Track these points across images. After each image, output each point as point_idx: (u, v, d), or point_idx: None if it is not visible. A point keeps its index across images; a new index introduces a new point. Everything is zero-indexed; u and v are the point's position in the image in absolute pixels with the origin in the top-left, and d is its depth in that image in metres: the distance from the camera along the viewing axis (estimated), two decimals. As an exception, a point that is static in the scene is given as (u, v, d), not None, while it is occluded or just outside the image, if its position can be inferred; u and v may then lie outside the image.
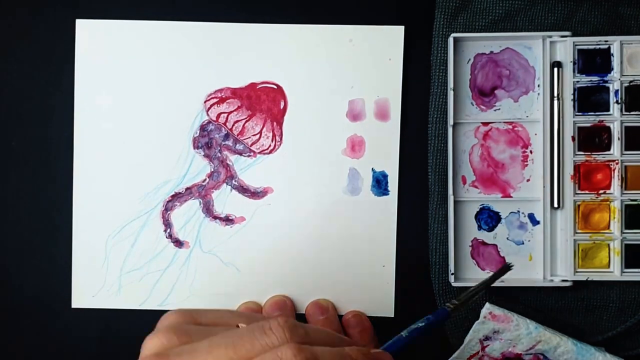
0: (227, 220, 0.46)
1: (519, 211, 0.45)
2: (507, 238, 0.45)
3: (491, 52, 0.45)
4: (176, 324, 0.32)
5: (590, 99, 0.44)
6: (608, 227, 0.45)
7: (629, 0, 0.45)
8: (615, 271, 0.44)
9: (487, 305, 0.44)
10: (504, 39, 0.45)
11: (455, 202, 0.45)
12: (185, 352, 0.30)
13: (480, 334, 0.44)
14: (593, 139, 0.44)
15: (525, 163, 0.45)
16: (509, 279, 0.45)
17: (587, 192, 0.44)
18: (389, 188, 0.46)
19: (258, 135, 0.46)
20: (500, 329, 0.44)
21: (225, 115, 0.46)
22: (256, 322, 0.31)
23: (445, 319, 0.38)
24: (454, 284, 0.44)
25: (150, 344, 0.31)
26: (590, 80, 0.44)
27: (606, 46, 0.44)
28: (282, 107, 0.45)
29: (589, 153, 0.44)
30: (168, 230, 0.46)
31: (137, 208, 0.46)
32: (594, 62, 0.44)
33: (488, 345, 0.44)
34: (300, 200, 0.46)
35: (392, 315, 0.46)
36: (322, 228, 0.46)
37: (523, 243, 0.45)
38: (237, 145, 0.46)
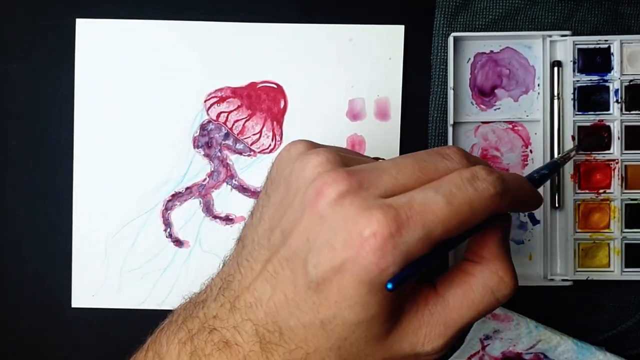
0: (228, 219, 0.46)
1: (519, 210, 0.45)
2: (507, 237, 0.45)
3: (491, 51, 0.45)
4: (333, 153, 0.30)
5: (590, 99, 0.44)
6: (608, 226, 0.45)
7: (629, 0, 0.45)
8: (615, 270, 0.44)
9: (487, 304, 0.44)
10: (504, 38, 0.45)
11: (456, 202, 0.45)
12: (371, 170, 0.29)
13: (481, 333, 0.44)
14: (593, 138, 0.44)
15: (525, 162, 0.45)
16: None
17: (587, 191, 0.44)
18: (389, 187, 0.46)
19: (258, 135, 0.46)
20: (500, 328, 0.44)
21: (226, 114, 0.46)
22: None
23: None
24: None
25: (316, 160, 0.29)
26: (590, 80, 0.44)
27: (606, 45, 0.44)
28: (282, 106, 0.45)
29: (589, 152, 0.44)
30: (168, 230, 0.46)
31: (137, 207, 0.46)
32: (594, 62, 0.44)
33: (488, 344, 0.44)
34: (300, 200, 0.46)
35: (392, 315, 0.46)
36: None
37: (523, 242, 0.45)
38: (237, 144, 0.46)
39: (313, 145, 0.31)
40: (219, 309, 0.31)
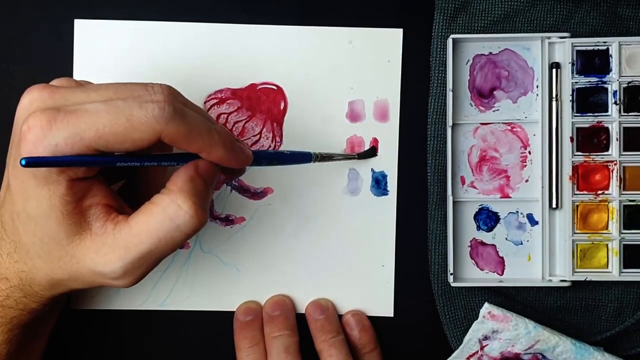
0: (227, 220, 0.46)
1: (517, 211, 0.45)
2: (506, 238, 0.46)
3: (490, 53, 0.45)
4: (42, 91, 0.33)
5: (588, 100, 0.45)
6: (606, 227, 0.45)
7: (628, 1, 0.45)
8: (613, 271, 0.45)
9: (486, 305, 0.44)
10: (502, 40, 0.45)
11: (454, 203, 0.45)
12: (76, 88, 0.33)
13: (479, 334, 0.44)
14: (591, 139, 0.45)
15: (524, 164, 0.45)
16: (508, 279, 0.45)
17: (585, 192, 0.45)
18: (389, 188, 0.46)
19: (258, 136, 0.46)
20: (499, 328, 0.44)
21: (225, 116, 0.46)
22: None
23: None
24: (452, 284, 0.45)
25: (27, 98, 0.33)
26: (589, 81, 0.44)
27: (605, 47, 0.44)
28: (282, 107, 0.46)
29: (588, 154, 0.44)
30: (168, 231, 0.46)
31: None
32: (592, 63, 0.44)
33: (487, 345, 0.44)
34: (300, 200, 0.46)
35: (392, 315, 0.46)
36: (321, 228, 0.46)
37: (522, 243, 0.46)
38: (237, 146, 0.46)
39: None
40: None
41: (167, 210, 0.33)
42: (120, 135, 0.31)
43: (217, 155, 0.34)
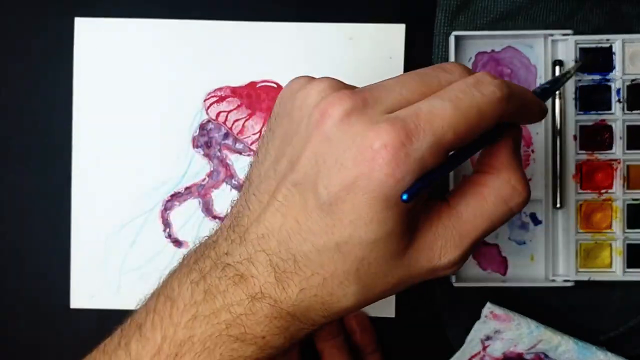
0: (227, 219, 0.46)
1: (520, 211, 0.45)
2: (509, 238, 0.45)
3: (492, 50, 0.45)
4: (334, 80, 0.30)
5: (592, 98, 0.44)
6: (610, 226, 0.44)
7: (631, -1, 0.45)
8: (617, 271, 0.44)
9: (489, 304, 0.44)
10: (505, 37, 0.45)
11: (457, 202, 0.44)
12: (375, 88, 0.29)
13: (482, 334, 0.44)
14: (595, 138, 0.44)
15: (527, 162, 0.45)
16: (511, 279, 0.45)
17: (589, 191, 0.44)
18: (390, 187, 0.46)
19: (258, 134, 0.46)
20: (501, 328, 0.44)
21: (225, 114, 0.45)
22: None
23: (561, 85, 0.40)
24: (455, 284, 0.44)
25: (319, 87, 0.29)
26: (592, 79, 0.44)
27: (608, 45, 0.44)
28: (282, 106, 0.45)
29: (591, 152, 0.44)
30: (167, 230, 0.46)
31: (136, 208, 0.46)
32: (595, 61, 0.44)
33: (489, 345, 0.44)
34: (300, 200, 0.45)
35: (393, 316, 0.46)
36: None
37: (525, 243, 0.45)
38: (237, 144, 0.46)
39: (318, 78, 0.31)
40: (229, 245, 0.30)
41: (501, 192, 0.30)
42: (474, 128, 0.28)
43: (536, 119, 0.32)
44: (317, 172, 0.28)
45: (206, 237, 0.32)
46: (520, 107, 0.30)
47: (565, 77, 0.39)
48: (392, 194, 0.27)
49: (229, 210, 0.32)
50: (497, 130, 0.30)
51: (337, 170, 0.27)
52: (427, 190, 0.28)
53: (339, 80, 0.30)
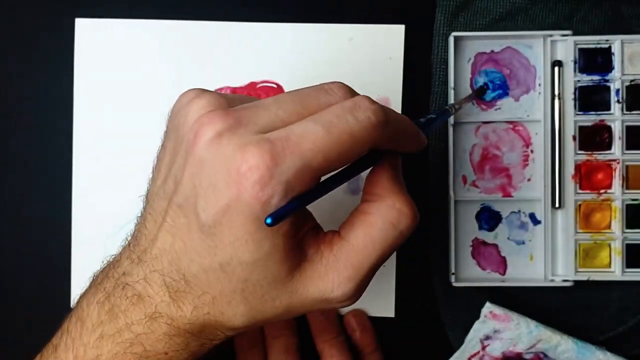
0: (227, 220, 0.46)
1: (519, 211, 0.45)
2: (508, 238, 0.45)
3: (492, 51, 0.45)
4: (215, 96, 0.30)
5: (591, 98, 0.44)
6: (609, 226, 0.44)
7: (631, 0, 0.45)
8: (616, 271, 0.44)
9: (488, 304, 0.44)
10: (504, 38, 0.45)
11: (456, 202, 0.45)
12: (251, 107, 0.29)
13: (481, 333, 0.44)
14: (594, 138, 0.44)
15: (526, 163, 0.45)
16: (510, 279, 0.45)
17: (588, 191, 0.44)
18: (390, 187, 0.46)
19: (258, 135, 0.45)
20: (500, 328, 0.44)
21: (225, 114, 0.45)
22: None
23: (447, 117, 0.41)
24: (454, 284, 0.44)
25: (198, 104, 0.29)
26: (591, 80, 0.44)
27: (607, 45, 0.44)
28: (282, 106, 0.45)
29: (590, 152, 0.44)
30: (168, 230, 0.46)
31: (136, 207, 0.45)
32: (594, 61, 0.44)
33: (488, 344, 0.44)
34: (300, 200, 0.46)
35: (393, 315, 0.46)
36: (323, 227, 0.46)
37: (524, 243, 0.45)
38: (237, 144, 0.46)
39: (203, 92, 0.31)
40: (129, 265, 0.31)
41: (388, 216, 0.30)
42: (346, 154, 0.28)
43: (413, 149, 0.32)
44: (195, 194, 0.28)
45: (112, 256, 0.33)
46: (396, 135, 0.30)
47: (452, 109, 0.40)
48: (262, 216, 0.27)
49: (132, 229, 0.33)
50: (374, 156, 0.31)
51: (211, 192, 0.28)
52: (294, 213, 0.28)
53: (220, 96, 0.30)
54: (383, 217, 0.30)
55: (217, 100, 0.29)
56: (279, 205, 0.27)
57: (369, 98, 0.29)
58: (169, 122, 0.32)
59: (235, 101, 0.30)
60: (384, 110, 0.29)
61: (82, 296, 0.33)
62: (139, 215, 0.33)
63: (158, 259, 0.30)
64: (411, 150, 0.33)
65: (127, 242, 0.33)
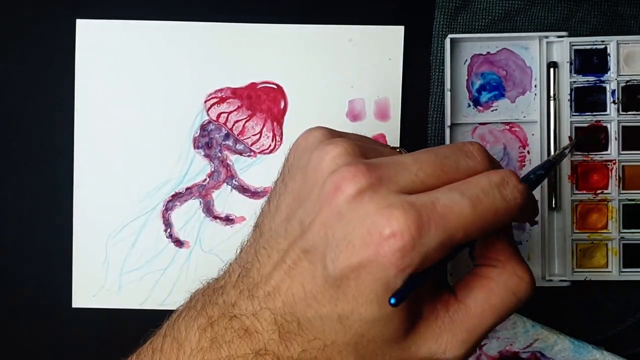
0: (228, 220, 0.46)
1: (517, 211, 0.45)
2: (506, 237, 0.45)
3: (488, 52, 0.45)
4: (352, 144, 0.29)
5: (587, 99, 0.45)
6: (606, 227, 0.45)
7: (629, 0, 0.45)
8: (613, 271, 0.44)
9: (486, 304, 0.44)
10: (500, 39, 0.45)
11: (454, 202, 0.45)
12: (391, 165, 0.28)
13: (479, 333, 0.44)
14: (590, 139, 0.45)
15: (523, 163, 0.45)
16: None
17: (584, 192, 0.45)
18: (388, 188, 0.46)
19: (258, 135, 0.46)
20: (497, 327, 0.44)
21: (226, 115, 0.46)
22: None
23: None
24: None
25: (335, 152, 0.28)
26: (587, 81, 0.44)
27: (603, 46, 0.44)
28: (282, 107, 0.46)
29: (587, 153, 0.45)
30: (168, 230, 0.46)
31: (137, 208, 0.46)
32: (590, 62, 0.44)
33: (485, 344, 0.44)
34: (299, 200, 0.46)
35: (391, 315, 0.46)
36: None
37: (521, 243, 0.46)
38: (238, 145, 0.46)
39: (331, 134, 0.30)
40: (238, 296, 0.30)
41: (509, 284, 0.30)
42: (486, 230, 0.28)
43: (531, 219, 0.32)
44: (326, 244, 0.28)
45: (214, 279, 0.33)
46: (526, 211, 0.30)
47: (559, 159, 0.38)
48: (393, 282, 0.27)
49: (237, 253, 0.33)
50: None
51: (345, 246, 0.27)
52: (416, 289, 0.27)
53: (355, 144, 0.29)
54: (504, 284, 0.30)
55: (353, 149, 0.29)
56: (414, 272, 0.27)
57: (515, 174, 0.29)
58: (294, 160, 0.31)
59: (369, 149, 0.30)
60: (528, 190, 0.29)
61: (179, 317, 0.32)
62: (249, 242, 0.32)
63: (271, 297, 0.29)
64: (526, 221, 0.32)
65: (229, 266, 0.32)
